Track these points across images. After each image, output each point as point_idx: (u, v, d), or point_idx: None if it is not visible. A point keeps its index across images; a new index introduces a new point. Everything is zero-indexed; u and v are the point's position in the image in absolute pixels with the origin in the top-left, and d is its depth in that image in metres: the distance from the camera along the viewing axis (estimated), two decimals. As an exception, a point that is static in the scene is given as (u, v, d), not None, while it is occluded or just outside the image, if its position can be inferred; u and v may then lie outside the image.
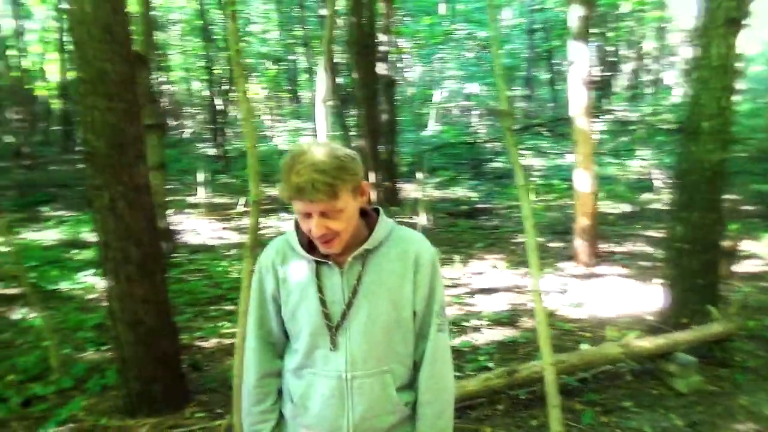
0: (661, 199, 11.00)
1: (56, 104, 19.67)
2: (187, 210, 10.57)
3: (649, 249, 7.64)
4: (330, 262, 1.46)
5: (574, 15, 6.57)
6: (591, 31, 6.85)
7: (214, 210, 10.68)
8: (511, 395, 3.63)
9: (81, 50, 3.07)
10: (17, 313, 5.32)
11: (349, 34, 8.43)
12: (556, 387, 2.91)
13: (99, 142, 3.04)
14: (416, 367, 1.55)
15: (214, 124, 15.32)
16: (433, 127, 9.16)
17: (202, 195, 10.82)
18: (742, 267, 6.51)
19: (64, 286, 6.17)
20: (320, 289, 1.46)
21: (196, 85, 22.23)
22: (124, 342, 3.28)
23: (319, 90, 4.21)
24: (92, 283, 6.22)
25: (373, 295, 1.46)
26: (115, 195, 3.10)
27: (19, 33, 16.48)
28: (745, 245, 7.14)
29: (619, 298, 5.69)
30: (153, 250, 3.31)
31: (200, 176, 10.48)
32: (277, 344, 1.59)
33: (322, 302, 1.46)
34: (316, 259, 1.47)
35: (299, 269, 1.50)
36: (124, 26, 3.25)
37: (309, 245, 1.49)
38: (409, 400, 1.54)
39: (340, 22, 9.68)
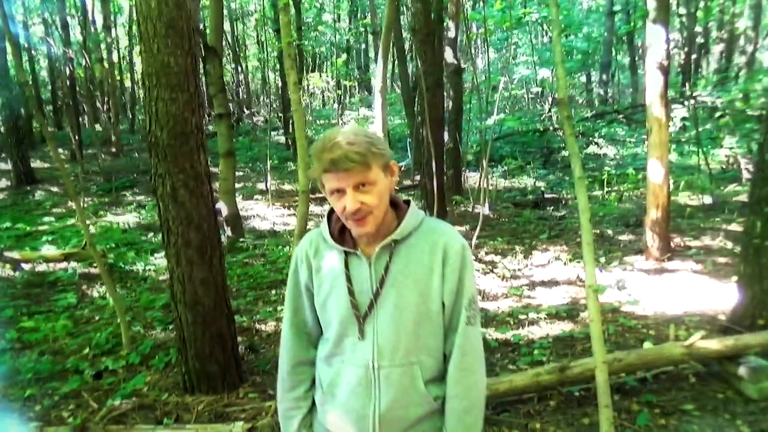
0: (747, 190, 10.26)
1: (142, 94, 20.84)
2: (255, 196, 10.94)
3: (728, 244, 7.16)
4: (358, 252, 1.48)
5: (651, -5, 6.21)
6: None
7: (281, 196, 10.99)
8: (563, 392, 3.53)
9: (146, 44, 3.23)
10: (96, 292, 5.71)
11: (414, 21, 8.37)
12: (608, 386, 2.81)
13: (162, 132, 3.19)
14: (446, 360, 1.54)
15: (285, 112, 15.71)
16: (497, 115, 8.94)
17: (270, 182, 11.15)
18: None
19: (139, 267, 6.56)
20: (348, 279, 1.48)
21: (271, 76, 22.84)
22: (184, 322, 3.46)
23: (378, 78, 4.22)
24: (164, 265, 6.58)
25: (400, 285, 1.46)
26: (176, 183, 3.25)
27: (108, 27, 17.52)
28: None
29: (690, 295, 5.37)
30: (212, 235, 3.45)
31: (269, 164, 10.80)
32: (312, 334, 1.63)
33: (350, 292, 1.48)
34: (345, 249, 1.49)
35: (330, 260, 1.53)
36: (187, 20, 3.37)
37: (339, 236, 1.52)
38: (439, 394, 1.53)
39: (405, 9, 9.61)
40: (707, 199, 10.05)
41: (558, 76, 3.08)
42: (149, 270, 6.50)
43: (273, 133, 18.28)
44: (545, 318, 4.96)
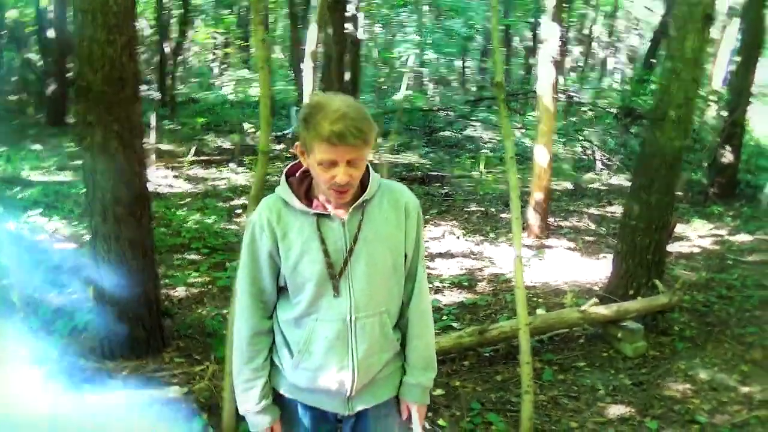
0: (600, 179, 11.60)
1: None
2: (134, 154, 10.16)
3: (592, 225, 8.10)
4: (331, 215, 1.55)
5: (550, -6, 6.74)
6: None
7: (160, 157, 10.33)
8: (480, 352, 3.87)
9: (79, -22, 2.92)
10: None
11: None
12: (529, 346, 3.15)
13: (96, 76, 2.93)
14: (403, 305, 1.72)
15: (161, 66, 14.61)
16: (403, 92, 9.18)
17: (150, 141, 10.40)
18: (674, 247, 7.06)
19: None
20: (323, 241, 1.54)
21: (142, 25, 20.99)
22: (107, 283, 3.24)
23: (310, 43, 4.17)
24: (39, 223, 5.98)
25: (372, 242, 1.58)
26: (109, 133, 3.01)
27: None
28: (677, 228, 7.72)
29: (568, 268, 6.06)
30: (142, 191, 3.26)
31: (153, 121, 10.07)
32: (268, 302, 1.65)
33: (326, 252, 1.54)
34: (317, 212, 1.55)
35: (298, 223, 1.56)
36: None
37: (305, 199, 1.58)
38: (399, 336, 1.71)
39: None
40: (569, 185, 11.22)
41: (495, 60, 3.30)
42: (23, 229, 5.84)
43: (145, 87, 16.94)
44: (448, 287, 5.32)
